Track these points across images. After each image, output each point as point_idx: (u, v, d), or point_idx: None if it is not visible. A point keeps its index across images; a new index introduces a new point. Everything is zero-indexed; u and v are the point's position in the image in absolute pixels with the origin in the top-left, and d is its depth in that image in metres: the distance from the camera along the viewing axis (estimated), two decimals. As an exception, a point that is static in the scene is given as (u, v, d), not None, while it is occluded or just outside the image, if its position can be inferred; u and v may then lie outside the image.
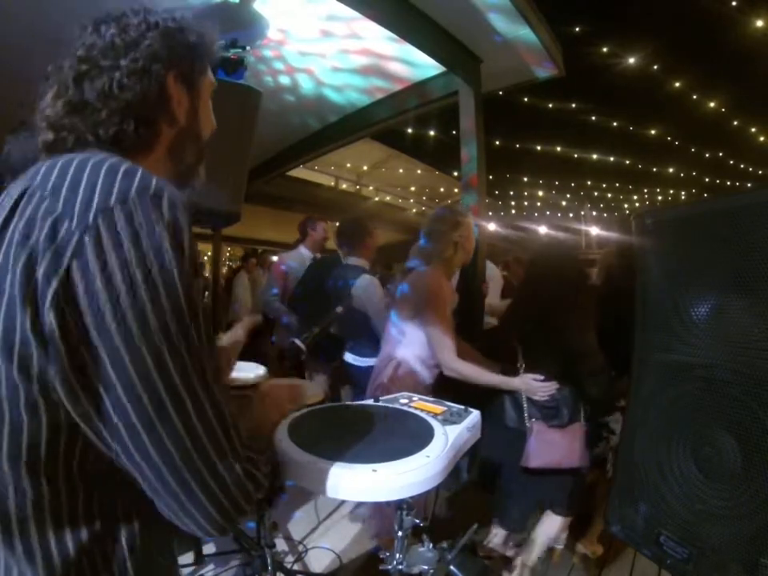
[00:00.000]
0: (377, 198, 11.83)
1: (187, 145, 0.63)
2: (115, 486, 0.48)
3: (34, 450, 0.44)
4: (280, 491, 1.55)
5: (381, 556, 1.08)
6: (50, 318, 0.41)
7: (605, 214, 15.98)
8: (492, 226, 10.95)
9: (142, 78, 0.55)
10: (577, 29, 7.29)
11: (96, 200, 0.43)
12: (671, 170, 12.15)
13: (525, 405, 1.79)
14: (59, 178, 0.45)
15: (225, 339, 1.03)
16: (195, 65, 0.63)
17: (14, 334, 0.42)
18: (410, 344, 1.89)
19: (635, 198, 15.03)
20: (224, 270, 9.71)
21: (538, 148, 11.19)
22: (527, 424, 1.78)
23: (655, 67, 8.39)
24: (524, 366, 1.80)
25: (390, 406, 1.12)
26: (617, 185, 13.85)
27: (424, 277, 1.91)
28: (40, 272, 0.41)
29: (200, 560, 1.89)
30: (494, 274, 3.50)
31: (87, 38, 0.56)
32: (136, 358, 0.42)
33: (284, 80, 3.37)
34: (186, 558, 1.86)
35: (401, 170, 10.39)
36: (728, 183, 12.28)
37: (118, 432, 0.44)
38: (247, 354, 1.30)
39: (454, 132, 3.68)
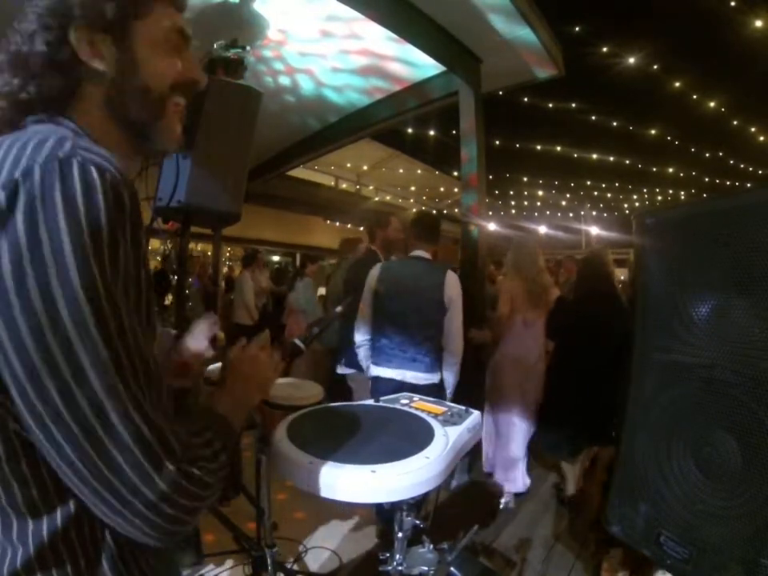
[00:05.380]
0: (377, 198, 11.83)
1: (128, 99, 0.57)
2: None
3: None
4: (236, 489, 1.46)
5: (381, 557, 1.08)
6: None
7: (605, 214, 15.98)
8: (492, 226, 10.94)
9: (36, 36, 0.52)
10: (577, 29, 7.28)
11: (4, 173, 0.42)
12: (671, 170, 12.12)
13: None
14: None
15: (188, 341, 0.89)
16: (116, 11, 0.54)
17: None
18: None
19: (635, 197, 15.02)
20: (224, 269, 9.71)
21: (538, 148, 11.18)
22: None
23: (655, 67, 8.38)
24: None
25: (390, 406, 1.12)
26: (617, 185, 13.84)
27: None
28: None
29: (200, 560, 1.89)
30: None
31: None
32: (22, 347, 0.39)
33: (284, 80, 3.37)
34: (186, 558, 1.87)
35: (401, 170, 10.39)
36: (728, 183, 12.28)
37: (27, 422, 0.42)
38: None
39: (454, 132, 3.68)
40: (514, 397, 2.67)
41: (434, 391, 2.09)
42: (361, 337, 2.28)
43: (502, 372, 2.72)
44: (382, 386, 2.12)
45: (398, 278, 2.19)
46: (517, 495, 2.65)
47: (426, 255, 2.25)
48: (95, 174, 0.43)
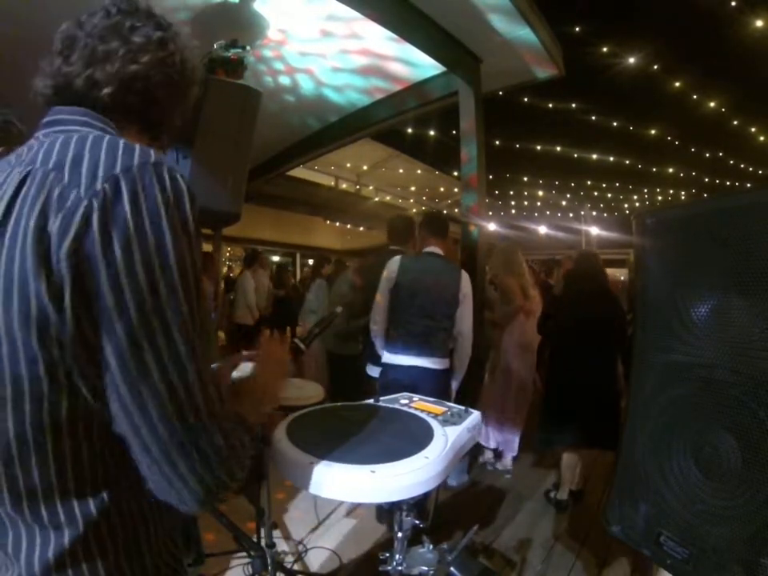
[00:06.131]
0: (377, 198, 11.82)
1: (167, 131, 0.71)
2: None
3: (55, 419, 0.46)
4: (261, 478, 1.55)
5: (381, 557, 1.08)
6: (61, 277, 0.43)
7: (605, 214, 15.97)
8: (492, 226, 10.96)
9: (165, 69, 0.61)
10: (577, 29, 7.28)
11: (101, 170, 0.47)
12: (671, 170, 12.10)
13: None
14: (60, 156, 0.48)
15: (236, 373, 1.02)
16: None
17: (30, 302, 0.44)
18: None
19: (635, 197, 15.00)
20: (224, 269, 9.70)
21: (538, 148, 11.16)
22: None
23: (655, 67, 8.37)
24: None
25: (390, 406, 1.12)
26: (617, 185, 13.81)
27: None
28: (52, 239, 0.44)
29: (200, 560, 1.89)
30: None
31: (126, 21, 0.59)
32: (125, 310, 0.45)
33: (284, 80, 3.37)
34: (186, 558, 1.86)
35: (401, 170, 10.37)
36: (728, 183, 12.26)
37: (113, 392, 0.46)
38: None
39: (454, 132, 3.67)
40: (517, 375, 3.14)
41: (445, 376, 2.32)
42: (377, 326, 2.37)
43: (512, 354, 3.15)
44: (400, 374, 2.24)
45: (419, 272, 2.31)
46: (498, 455, 3.20)
47: (439, 251, 2.40)
48: (180, 179, 0.51)
